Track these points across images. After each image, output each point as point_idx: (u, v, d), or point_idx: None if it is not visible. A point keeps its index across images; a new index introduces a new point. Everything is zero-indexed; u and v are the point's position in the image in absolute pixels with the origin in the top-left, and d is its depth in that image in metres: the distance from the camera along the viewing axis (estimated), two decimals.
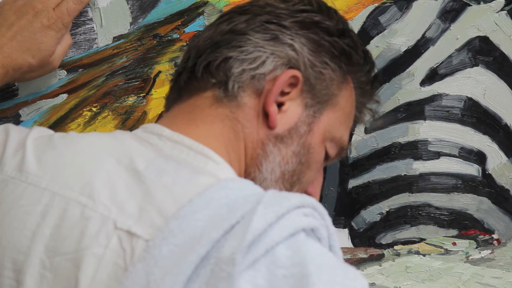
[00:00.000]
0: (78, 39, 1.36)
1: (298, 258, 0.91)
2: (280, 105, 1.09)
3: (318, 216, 0.98)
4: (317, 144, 1.12)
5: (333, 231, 1.00)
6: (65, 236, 0.98)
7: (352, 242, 1.53)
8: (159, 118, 1.41)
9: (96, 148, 1.05)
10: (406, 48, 1.52)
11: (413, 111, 1.54)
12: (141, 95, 1.40)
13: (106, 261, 0.96)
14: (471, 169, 1.57)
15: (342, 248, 1.50)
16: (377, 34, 1.50)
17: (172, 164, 1.01)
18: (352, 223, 1.53)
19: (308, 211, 0.96)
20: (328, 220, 1.00)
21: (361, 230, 1.53)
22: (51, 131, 1.13)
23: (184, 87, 1.11)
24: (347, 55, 1.12)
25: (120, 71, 1.39)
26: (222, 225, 0.92)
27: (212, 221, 0.93)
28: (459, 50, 1.54)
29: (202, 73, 1.08)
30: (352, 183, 1.53)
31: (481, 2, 1.54)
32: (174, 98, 1.13)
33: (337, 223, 1.52)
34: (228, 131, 1.06)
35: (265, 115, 1.07)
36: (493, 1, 1.54)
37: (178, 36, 1.41)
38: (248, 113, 1.07)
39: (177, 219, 0.94)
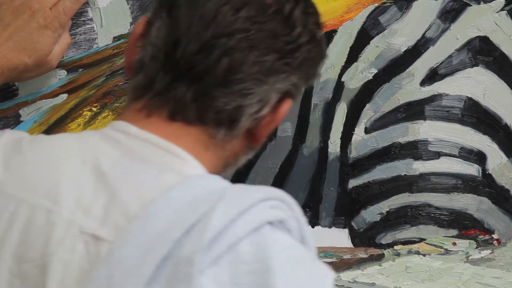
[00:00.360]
0: (78, 39, 1.36)
1: (261, 254, 0.91)
2: None
3: (286, 207, 0.98)
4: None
5: (304, 222, 0.99)
6: (31, 243, 0.98)
7: (352, 242, 1.53)
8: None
9: (62, 151, 1.04)
10: (406, 48, 1.52)
11: (413, 111, 1.54)
12: None
13: (73, 266, 0.95)
14: (471, 169, 1.57)
15: (342, 248, 1.50)
16: (377, 34, 1.50)
17: (138, 163, 1.00)
18: (352, 223, 1.53)
19: (274, 203, 0.96)
20: (298, 210, 0.99)
21: (361, 230, 1.53)
22: (23, 134, 1.12)
23: (167, 101, 1.05)
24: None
25: (120, 71, 1.39)
26: (183, 224, 0.92)
27: (174, 220, 0.92)
28: (459, 50, 1.54)
29: (203, 112, 1.03)
30: (352, 183, 1.53)
31: (481, 2, 1.54)
32: (150, 96, 1.06)
33: (337, 223, 1.52)
34: (210, 154, 1.05)
35: (249, 134, 1.07)
36: (493, 1, 1.54)
37: None
38: (234, 142, 1.06)
39: (140, 220, 0.94)
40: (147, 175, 0.99)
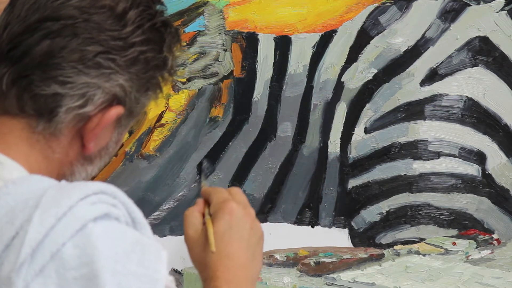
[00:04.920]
0: None
1: (86, 257, 0.89)
2: None
3: (108, 197, 0.94)
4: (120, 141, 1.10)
5: (131, 204, 0.96)
6: None
7: (352, 242, 1.53)
8: (159, 119, 1.41)
9: None
10: (406, 48, 1.52)
11: (413, 111, 1.54)
12: None
13: None
14: (471, 169, 1.57)
15: (342, 248, 1.50)
16: (377, 34, 1.50)
17: None
18: (352, 223, 1.53)
19: (94, 199, 0.93)
20: (121, 196, 0.96)
21: (361, 230, 1.53)
22: None
23: None
24: (169, 74, 1.09)
25: None
26: (1, 240, 0.89)
27: None
28: (459, 50, 1.54)
29: (21, 97, 0.99)
30: (352, 183, 1.53)
31: (481, 2, 1.54)
32: None
33: (337, 223, 1.52)
34: (36, 154, 1.00)
35: (80, 138, 1.02)
36: (493, 1, 1.54)
37: None
38: (63, 142, 1.02)
39: None
40: None
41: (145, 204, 1.42)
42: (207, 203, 1.24)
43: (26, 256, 0.87)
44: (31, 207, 0.90)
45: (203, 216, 1.22)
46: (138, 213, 0.97)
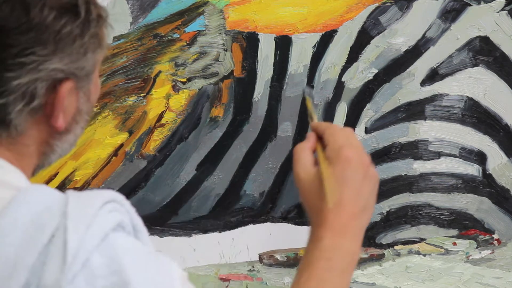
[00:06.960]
0: None
1: (115, 266, 0.90)
2: None
3: (119, 206, 0.95)
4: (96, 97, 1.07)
5: (133, 212, 0.96)
6: None
7: None
8: (159, 119, 1.41)
9: None
10: (406, 48, 1.52)
11: (413, 111, 1.54)
12: (141, 95, 1.40)
13: None
14: (472, 169, 1.57)
15: None
16: (378, 34, 1.50)
17: None
18: None
19: (110, 207, 0.93)
20: (126, 203, 0.96)
21: None
22: None
23: None
24: (99, 26, 1.03)
25: (120, 71, 1.39)
26: (35, 248, 0.89)
27: (23, 244, 0.90)
28: (459, 50, 1.54)
29: None
30: None
31: (482, 2, 1.54)
32: None
33: None
34: (9, 156, 0.99)
35: (47, 122, 1.00)
36: (494, 1, 1.54)
37: (178, 36, 1.41)
38: (32, 134, 1.00)
39: None
40: None
41: (145, 204, 1.42)
42: (320, 138, 1.23)
43: (69, 266, 0.88)
44: (58, 216, 0.90)
45: (314, 151, 1.21)
46: (138, 220, 0.97)
